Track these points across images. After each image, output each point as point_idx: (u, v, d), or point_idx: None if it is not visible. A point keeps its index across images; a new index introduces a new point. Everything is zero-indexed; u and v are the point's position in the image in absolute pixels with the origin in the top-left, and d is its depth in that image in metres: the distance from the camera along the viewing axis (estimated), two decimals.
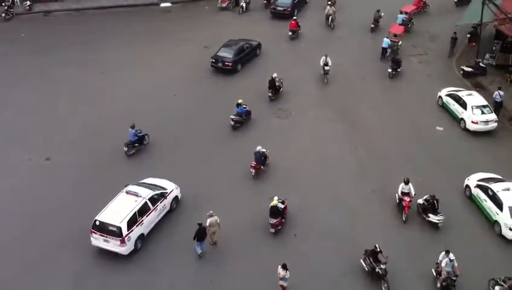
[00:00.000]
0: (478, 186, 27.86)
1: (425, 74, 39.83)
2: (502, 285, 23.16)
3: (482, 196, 27.42)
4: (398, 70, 39.24)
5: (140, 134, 31.38)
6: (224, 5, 49.17)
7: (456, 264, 23.02)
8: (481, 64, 39.58)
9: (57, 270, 24.45)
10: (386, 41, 41.15)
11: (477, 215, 27.63)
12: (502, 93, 34.92)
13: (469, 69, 39.37)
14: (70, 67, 40.18)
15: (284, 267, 22.66)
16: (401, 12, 45.71)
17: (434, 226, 26.43)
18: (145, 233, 25.59)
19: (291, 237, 26.31)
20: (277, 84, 36.26)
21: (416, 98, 37.07)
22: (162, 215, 26.67)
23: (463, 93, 34.93)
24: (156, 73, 39.60)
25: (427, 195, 26.97)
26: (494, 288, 23.49)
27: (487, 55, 40.57)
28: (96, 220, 24.59)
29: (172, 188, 27.39)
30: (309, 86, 38.25)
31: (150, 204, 25.64)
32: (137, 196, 25.52)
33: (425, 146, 32.45)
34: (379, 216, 27.59)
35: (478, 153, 32.14)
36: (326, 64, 37.59)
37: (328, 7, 45.13)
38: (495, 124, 33.46)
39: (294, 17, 44.69)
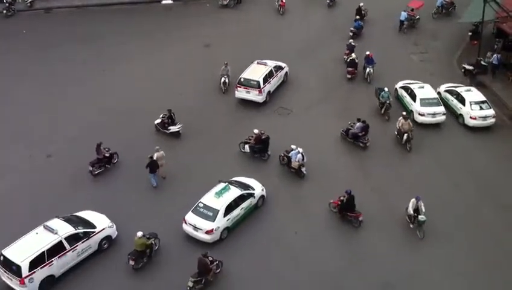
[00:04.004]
0: (402, 87, 35.81)
1: (427, 72, 39.40)
2: (248, 142, 30.51)
3: (404, 93, 35.38)
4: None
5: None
6: (225, 2, 49.11)
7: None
8: (482, 62, 39.20)
9: None
10: (403, 15, 44.43)
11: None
12: (499, 56, 38.32)
13: (470, 68, 39.02)
14: (71, 64, 40.10)
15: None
16: None
17: (176, 135, 32.26)
18: (271, 90, 36.13)
19: (292, 235, 26.35)
20: (363, 12, 44.84)
21: None
22: (278, 84, 36.98)
23: (461, 89, 34.88)
24: (157, 70, 39.54)
25: (162, 114, 32.54)
26: (244, 148, 30.70)
27: (489, 54, 40.15)
28: (241, 78, 35.17)
29: (284, 65, 37.94)
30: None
31: (273, 71, 36.29)
32: (265, 65, 36.30)
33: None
34: None
35: (476, 149, 32.17)
36: (417, 210, 26.23)
37: (403, 120, 31.94)
38: (493, 120, 33.43)
39: None
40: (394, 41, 43.85)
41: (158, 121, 32.75)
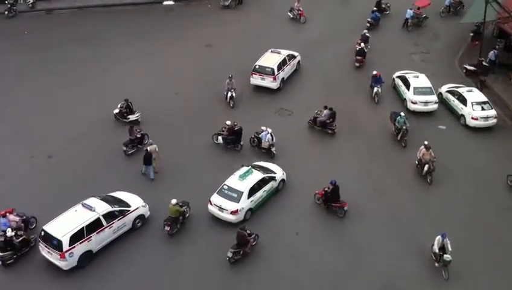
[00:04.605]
0: (398, 77, 37.20)
1: (428, 72, 39.14)
2: (221, 133, 31.33)
3: (400, 83, 36.63)
4: None
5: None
6: (226, 3, 49.18)
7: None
8: (484, 63, 39.14)
9: None
10: (409, 13, 45.28)
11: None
12: (496, 52, 39.05)
13: (472, 68, 38.99)
14: (72, 65, 40.11)
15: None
16: None
17: (135, 123, 33.09)
18: (285, 78, 37.83)
19: (293, 235, 26.43)
20: (383, 6, 46.83)
21: None
22: (291, 72, 38.74)
23: (463, 90, 34.86)
24: (158, 70, 39.54)
25: (120, 104, 33.59)
26: (217, 139, 31.52)
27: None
28: (256, 65, 36.79)
29: (297, 54, 39.47)
30: None
31: (287, 59, 38.00)
32: (279, 53, 37.98)
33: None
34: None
35: (477, 149, 32.14)
36: (443, 248, 24.04)
37: (424, 149, 29.39)
38: (495, 120, 33.42)
39: None
40: (397, 41, 44.00)
41: (116, 111, 33.67)
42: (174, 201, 25.82)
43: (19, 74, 39.18)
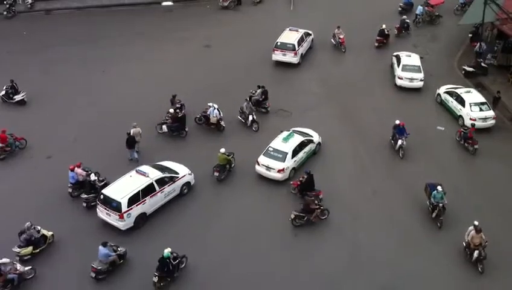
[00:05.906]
0: (394, 56, 39.57)
1: (427, 73, 39.17)
2: (165, 122, 32.11)
3: (394, 61, 39.08)
4: None
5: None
6: (225, 4, 49.30)
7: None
8: (482, 64, 39.29)
9: None
10: (419, 9, 46.45)
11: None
12: (483, 44, 40.00)
13: (470, 69, 39.09)
14: (71, 65, 40.27)
15: None
16: None
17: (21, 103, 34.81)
18: (303, 53, 40.88)
19: (293, 237, 26.42)
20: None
21: (418, 97, 37.03)
22: (307, 48, 41.75)
23: (461, 91, 34.87)
24: (157, 71, 39.60)
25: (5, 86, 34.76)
26: (161, 129, 32.36)
27: (489, 55, 40.29)
28: (277, 42, 39.53)
29: (311, 32, 42.41)
30: None
31: (304, 36, 40.93)
32: (297, 31, 40.84)
33: (424, 143, 32.32)
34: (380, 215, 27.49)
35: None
36: None
37: (474, 232, 24.14)
38: (493, 121, 33.41)
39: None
40: (397, 41, 43.98)
41: (3, 92, 35.22)
42: (222, 150, 29.03)
43: (18, 74, 38.86)
